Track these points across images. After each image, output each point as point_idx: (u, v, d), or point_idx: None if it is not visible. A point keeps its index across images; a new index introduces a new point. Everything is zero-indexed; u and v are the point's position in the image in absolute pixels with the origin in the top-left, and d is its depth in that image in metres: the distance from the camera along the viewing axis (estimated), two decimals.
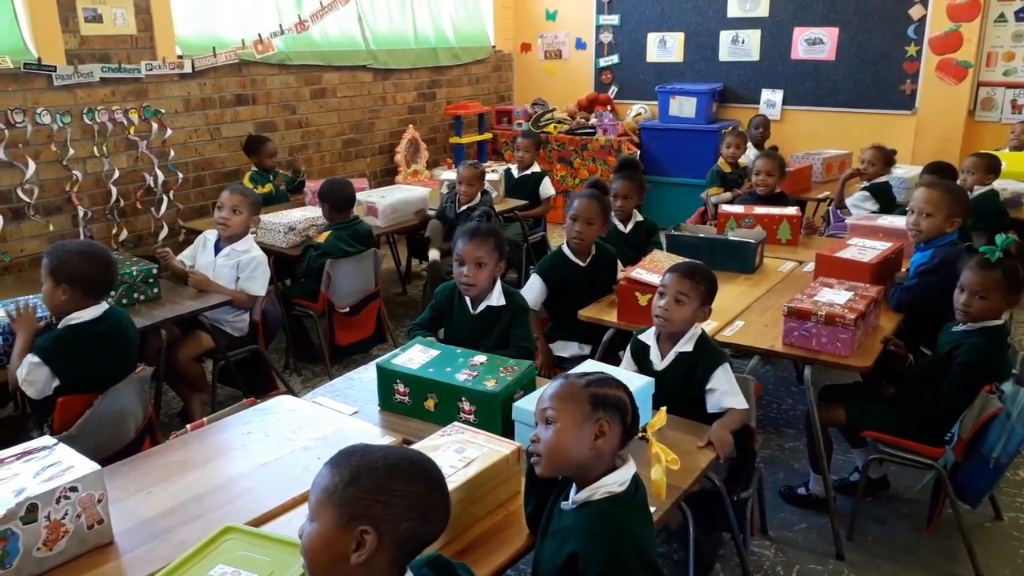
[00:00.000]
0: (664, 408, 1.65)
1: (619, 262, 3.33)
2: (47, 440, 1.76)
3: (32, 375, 2.49)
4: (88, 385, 2.53)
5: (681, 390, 2.32)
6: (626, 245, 3.64)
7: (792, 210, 3.99)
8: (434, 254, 4.76)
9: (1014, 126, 5.46)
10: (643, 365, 2.45)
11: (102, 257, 2.61)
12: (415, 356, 2.30)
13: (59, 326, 2.56)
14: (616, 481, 1.54)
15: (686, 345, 2.37)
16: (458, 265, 2.61)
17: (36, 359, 2.48)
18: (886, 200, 4.53)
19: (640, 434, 1.60)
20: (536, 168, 5.52)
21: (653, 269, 2.97)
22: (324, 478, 1.25)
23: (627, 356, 2.53)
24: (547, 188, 5.43)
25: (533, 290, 3.20)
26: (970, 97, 5.96)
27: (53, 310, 2.58)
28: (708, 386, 2.30)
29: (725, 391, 2.29)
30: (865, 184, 4.68)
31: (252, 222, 3.60)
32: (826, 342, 2.63)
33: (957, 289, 2.61)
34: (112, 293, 2.97)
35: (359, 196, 4.60)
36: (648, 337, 2.46)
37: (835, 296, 2.74)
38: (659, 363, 2.40)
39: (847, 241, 3.42)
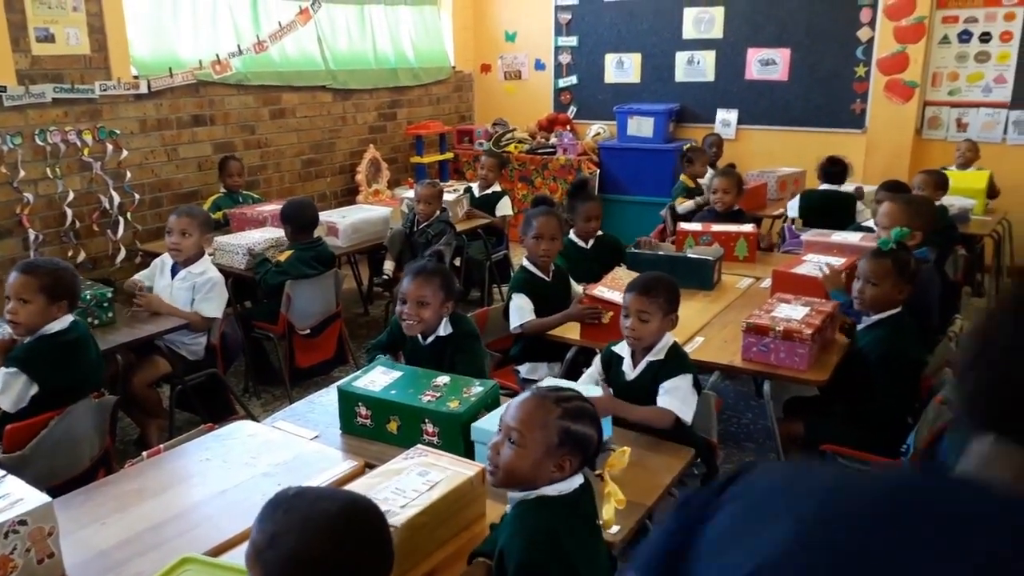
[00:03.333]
0: (628, 449, 1.62)
1: (570, 277, 3.39)
2: None
3: (8, 386, 2.47)
4: (58, 397, 2.52)
5: (649, 398, 2.34)
6: (590, 261, 3.66)
7: (749, 227, 4.06)
8: (388, 265, 4.74)
9: (959, 144, 5.63)
10: (614, 375, 2.47)
11: (73, 270, 2.75)
12: (377, 378, 2.28)
13: (30, 339, 2.57)
14: (554, 490, 1.54)
15: (658, 355, 2.40)
16: (401, 303, 2.58)
17: (12, 369, 2.48)
18: (839, 213, 4.62)
19: (596, 471, 1.59)
20: (497, 187, 5.55)
21: (615, 287, 3.00)
22: (252, 531, 1.19)
23: (595, 363, 2.55)
24: (503, 207, 5.45)
25: (522, 308, 3.15)
26: (917, 116, 6.14)
27: (35, 327, 2.56)
28: (662, 385, 2.33)
29: (670, 391, 2.30)
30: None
31: (205, 241, 3.55)
32: (784, 357, 2.67)
33: (855, 278, 2.78)
34: None
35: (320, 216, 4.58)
36: (622, 349, 2.49)
37: (792, 311, 2.80)
38: (631, 373, 2.43)
39: (803, 257, 3.49)
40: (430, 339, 2.61)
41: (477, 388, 2.17)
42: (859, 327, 2.81)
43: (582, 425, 1.55)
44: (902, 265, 2.70)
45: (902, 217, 3.23)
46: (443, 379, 2.24)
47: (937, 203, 4.49)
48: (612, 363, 2.51)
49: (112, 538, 1.74)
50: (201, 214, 3.57)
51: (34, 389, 2.50)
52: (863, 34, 6.16)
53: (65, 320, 2.61)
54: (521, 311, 3.13)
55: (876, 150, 6.20)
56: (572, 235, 3.77)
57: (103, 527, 1.78)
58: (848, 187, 4.94)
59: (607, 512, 1.56)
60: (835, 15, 6.23)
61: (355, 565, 1.17)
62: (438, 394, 2.15)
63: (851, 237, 3.85)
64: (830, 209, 4.69)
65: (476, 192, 5.52)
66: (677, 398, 2.29)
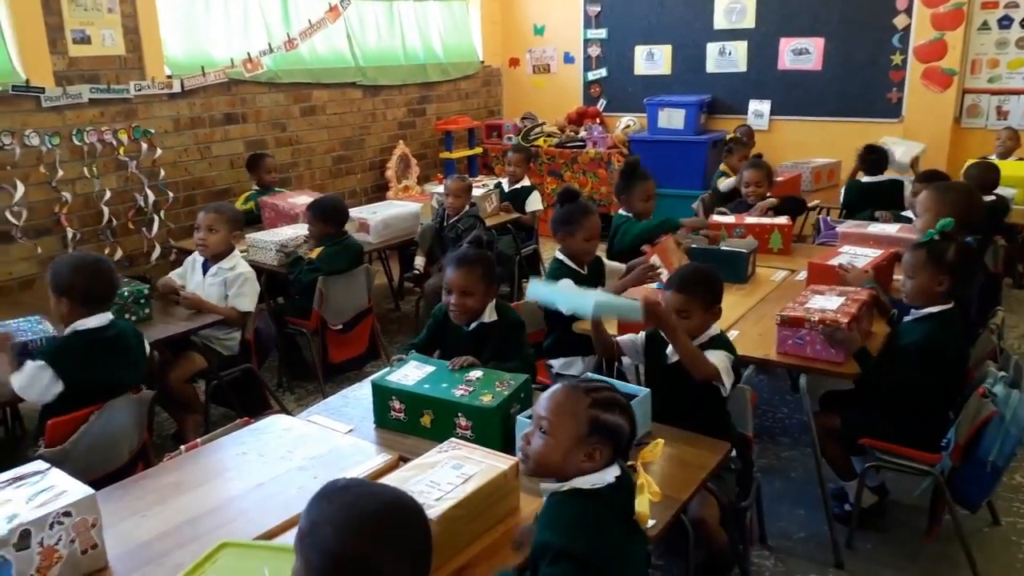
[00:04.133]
0: (661, 441, 1.61)
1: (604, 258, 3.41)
2: (40, 465, 1.74)
3: (33, 380, 2.50)
4: (92, 393, 2.54)
5: (688, 383, 2.31)
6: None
7: (783, 219, 4.01)
8: (419, 260, 4.76)
9: (999, 132, 5.50)
10: (656, 355, 2.45)
11: (96, 267, 2.68)
12: (410, 372, 2.29)
13: (66, 334, 2.62)
14: (587, 483, 1.53)
15: (701, 340, 2.37)
16: (446, 293, 2.59)
17: (40, 362, 2.51)
18: (883, 203, 4.54)
19: (629, 463, 1.56)
20: (526, 182, 5.54)
21: (667, 263, 2.97)
22: (302, 516, 1.19)
23: (641, 337, 2.52)
24: (533, 202, 5.43)
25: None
26: (956, 104, 6.01)
27: (60, 321, 2.65)
28: (706, 352, 2.30)
29: (711, 353, 2.29)
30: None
31: (234, 238, 3.58)
32: (820, 350, 2.63)
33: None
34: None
35: (351, 212, 4.61)
36: None
37: (827, 302, 2.75)
38: (672, 357, 2.40)
39: (838, 249, 3.43)
40: (474, 325, 2.62)
41: (509, 382, 2.17)
42: (905, 319, 2.74)
43: (612, 415, 1.54)
44: (938, 256, 2.60)
45: (934, 204, 3.18)
46: (476, 373, 2.24)
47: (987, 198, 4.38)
48: (656, 344, 2.47)
49: (152, 530, 1.77)
50: (229, 210, 3.61)
51: (59, 387, 2.51)
52: (899, 21, 6.04)
53: (102, 318, 2.63)
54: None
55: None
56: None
57: (143, 519, 1.81)
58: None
59: (640, 505, 1.54)
60: (870, 2, 6.12)
61: (385, 566, 1.14)
62: (471, 388, 2.15)
63: (888, 228, 3.79)
64: (873, 199, 4.62)
65: (505, 187, 5.52)
66: (718, 360, 2.26)
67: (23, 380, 2.51)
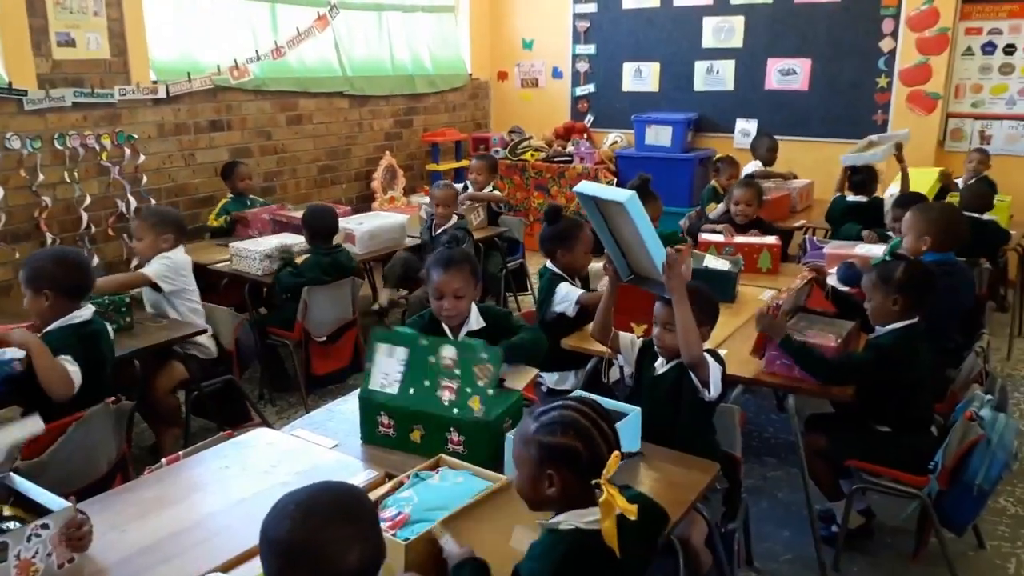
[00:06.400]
0: (617, 454, 1.51)
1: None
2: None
3: (74, 375, 2.49)
4: (89, 385, 2.54)
5: (674, 394, 2.32)
6: None
7: (772, 239, 4.02)
8: (384, 296, 4.74)
9: (970, 155, 5.48)
10: (646, 365, 2.46)
11: (75, 259, 2.71)
12: (388, 367, 2.18)
13: (54, 327, 2.60)
14: (570, 523, 1.51)
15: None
16: (436, 298, 2.55)
17: (68, 357, 2.50)
18: (865, 222, 4.58)
19: (594, 480, 1.47)
20: (489, 189, 5.54)
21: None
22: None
23: (637, 346, 2.52)
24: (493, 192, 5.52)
25: (572, 289, 3.16)
26: (939, 128, 6.09)
27: (41, 320, 2.63)
28: None
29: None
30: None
31: (164, 241, 3.41)
32: None
33: None
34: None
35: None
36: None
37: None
38: (660, 368, 2.41)
39: (826, 269, 3.44)
40: (461, 334, 2.58)
41: (488, 367, 2.06)
42: (870, 336, 2.76)
43: (555, 437, 1.50)
44: (885, 276, 2.64)
45: (916, 224, 3.24)
46: (449, 352, 2.12)
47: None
48: (648, 354, 2.48)
49: (132, 545, 1.72)
50: (155, 215, 3.55)
51: (80, 378, 2.52)
52: (885, 45, 6.11)
53: (86, 311, 2.66)
54: (572, 291, 3.13)
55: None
56: None
57: (123, 534, 1.76)
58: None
59: (607, 525, 1.44)
60: (857, 26, 6.19)
61: (326, 544, 1.19)
62: (454, 383, 2.08)
63: (874, 249, 3.81)
64: (855, 217, 4.65)
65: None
66: (711, 365, 2.25)
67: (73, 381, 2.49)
